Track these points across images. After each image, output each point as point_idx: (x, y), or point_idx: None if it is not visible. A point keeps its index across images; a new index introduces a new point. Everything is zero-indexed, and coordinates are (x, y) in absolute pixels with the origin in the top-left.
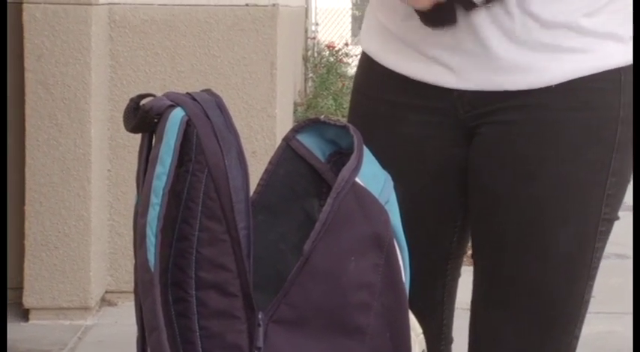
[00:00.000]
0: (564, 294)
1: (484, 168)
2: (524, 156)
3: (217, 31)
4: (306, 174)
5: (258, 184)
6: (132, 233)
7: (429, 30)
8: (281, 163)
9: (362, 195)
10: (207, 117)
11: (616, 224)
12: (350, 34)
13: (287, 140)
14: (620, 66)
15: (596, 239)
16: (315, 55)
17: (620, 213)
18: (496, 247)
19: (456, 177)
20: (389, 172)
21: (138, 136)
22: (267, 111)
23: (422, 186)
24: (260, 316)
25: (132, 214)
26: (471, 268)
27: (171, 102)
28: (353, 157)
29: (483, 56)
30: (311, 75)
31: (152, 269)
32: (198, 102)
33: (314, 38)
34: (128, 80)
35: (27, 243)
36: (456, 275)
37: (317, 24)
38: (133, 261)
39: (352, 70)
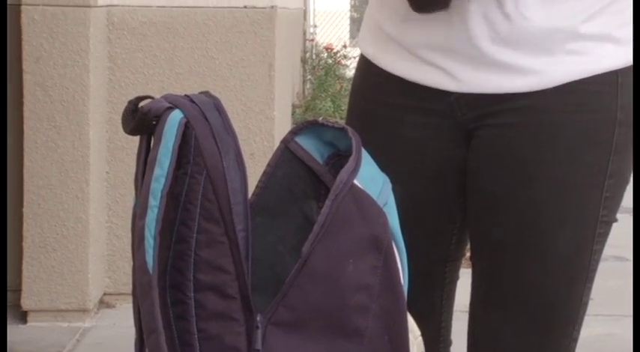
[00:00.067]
0: (563, 296)
1: (482, 170)
2: (521, 158)
3: (215, 33)
4: (304, 176)
5: (257, 186)
6: (130, 235)
7: (426, 31)
8: (279, 165)
9: (360, 198)
10: (206, 119)
11: (614, 226)
12: (348, 36)
13: (285, 142)
14: (618, 68)
15: (594, 241)
16: (314, 57)
17: (619, 216)
18: (495, 249)
19: (455, 179)
20: (388, 174)
21: (136, 138)
22: (265, 113)
23: (421, 187)
24: (258, 318)
25: (130, 216)
26: (470, 270)
27: (169, 105)
28: (351, 159)
29: (479, 59)
30: (309, 77)
31: (150, 272)
32: (197, 105)
33: (312, 40)
34: (126, 82)
35: (25, 245)
36: (454, 278)
37: (315, 26)
38: (131, 263)
39: (350, 72)
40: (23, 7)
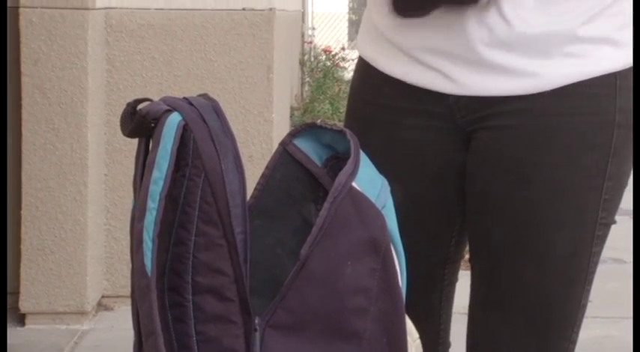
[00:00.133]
0: (561, 298)
1: (480, 172)
2: (518, 160)
3: (214, 35)
4: (302, 178)
5: (255, 189)
6: (128, 237)
7: (424, 34)
8: (278, 168)
9: (359, 200)
10: (204, 121)
11: (613, 228)
12: (347, 38)
13: (284, 144)
14: (616, 70)
15: (592, 243)
16: (312, 59)
17: (617, 218)
18: (493, 250)
19: (454, 181)
20: (387, 176)
21: (134, 141)
22: (263, 115)
23: (421, 189)
24: (257, 321)
25: (128, 219)
26: (468, 272)
27: (168, 107)
28: (350, 162)
29: (478, 61)
30: (308, 79)
31: (149, 274)
32: (195, 107)
33: (311, 42)
34: (125, 85)
35: (23, 247)
36: (453, 280)
37: (314, 28)
38: (130, 266)
39: (349, 75)
40: (21, 10)
